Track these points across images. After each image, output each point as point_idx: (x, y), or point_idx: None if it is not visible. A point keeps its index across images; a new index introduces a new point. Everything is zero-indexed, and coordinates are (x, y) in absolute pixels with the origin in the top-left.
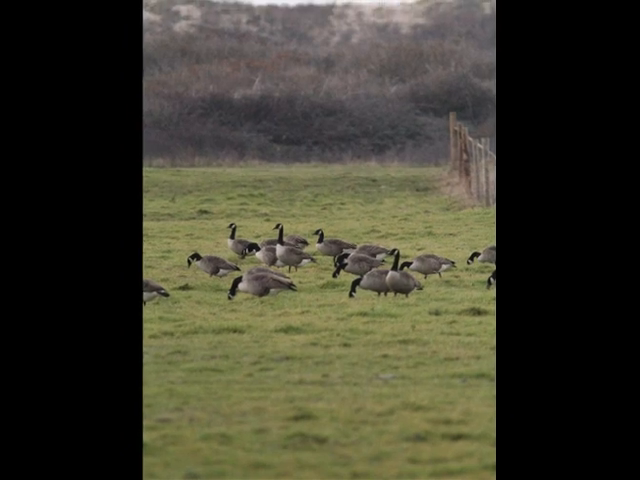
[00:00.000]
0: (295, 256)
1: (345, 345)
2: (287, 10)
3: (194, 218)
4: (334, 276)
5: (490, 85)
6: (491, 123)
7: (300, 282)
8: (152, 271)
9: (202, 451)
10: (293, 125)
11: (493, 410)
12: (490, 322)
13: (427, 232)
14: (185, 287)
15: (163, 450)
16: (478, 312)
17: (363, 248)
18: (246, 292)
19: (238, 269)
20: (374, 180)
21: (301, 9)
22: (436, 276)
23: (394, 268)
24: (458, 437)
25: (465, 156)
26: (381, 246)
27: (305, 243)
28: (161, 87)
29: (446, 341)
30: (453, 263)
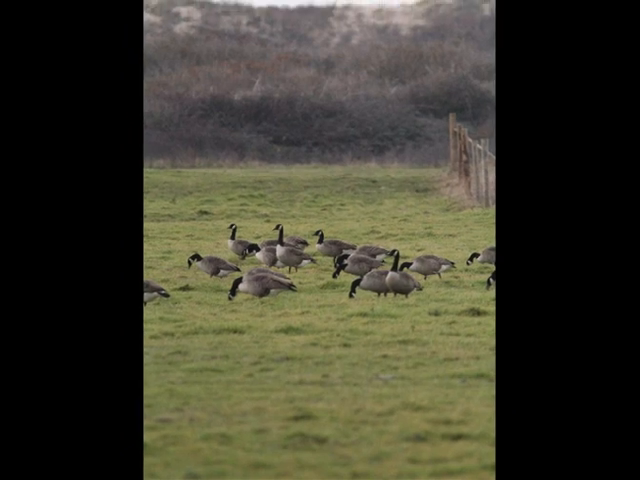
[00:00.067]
0: (295, 257)
1: (345, 345)
2: (287, 11)
3: (194, 219)
4: (334, 277)
5: (489, 86)
6: (490, 124)
7: (300, 283)
8: (153, 272)
9: (202, 451)
10: (293, 126)
11: (492, 410)
12: (489, 323)
13: (427, 233)
14: (185, 288)
15: (163, 450)
16: (477, 313)
17: (363, 249)
18: (246, 293)
19: (238, 270)
20: (374, 181)
21: (301, 10)
22: (436, 277)
23: (394, 269)
24: (458, 437)
25: (465, 157)
26: (381, 247)
27: (305, 244)
28: (161, 88)
29: (446, 341)
30: (453, 264)
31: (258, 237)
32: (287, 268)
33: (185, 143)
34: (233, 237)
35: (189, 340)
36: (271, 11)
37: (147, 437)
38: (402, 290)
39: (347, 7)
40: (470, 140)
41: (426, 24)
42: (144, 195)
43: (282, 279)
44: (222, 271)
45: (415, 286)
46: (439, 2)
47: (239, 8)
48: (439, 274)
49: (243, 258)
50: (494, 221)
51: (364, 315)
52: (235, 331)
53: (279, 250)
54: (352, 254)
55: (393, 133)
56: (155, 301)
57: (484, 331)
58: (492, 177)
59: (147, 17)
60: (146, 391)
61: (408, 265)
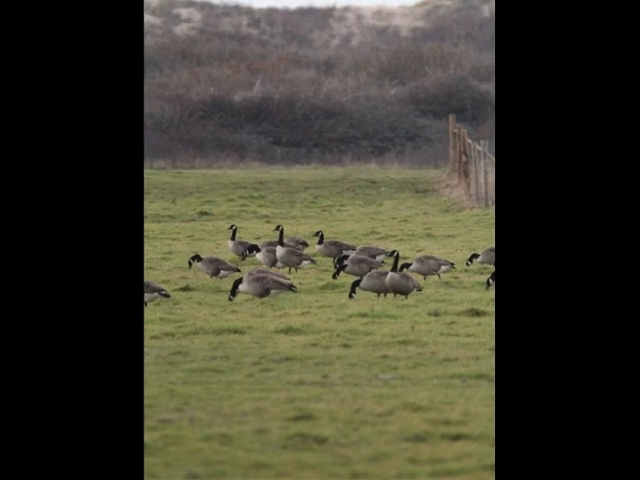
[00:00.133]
0: (295, 257)
1: (345, 346)
2: (287, 13)
3: (195, 220)
4: (334, 277)
5: (489, 87)
6: (490, 125)
7: (300, 283)
8: (153, 272)
9: (203, 451)
10: (293, 127)
11: (492, 410)
12: (489, 323)
13: (426, 234)
14: (186, 288)
15: (164, 450)
16: (477, 313)
17: (363, 249)
18: (246, 293)
19: (239, 270)
20: (374, 182)
21: (301, 12)
22: (435, 277)
23: (394, 269)
24: (457, 437)
25: (464, 158)
26: (381, 247)
27: (305, 244)
28: (162, 89)
29: (445, 342)
30: (452, 264)
31: (258, 238)
32: (287, 269)
33: (185, 144)
34: (233, 238)
35: (189, 340)
36: (271, 12)
37: (148, 437)
38: (402, 291)
39: (347, 8)
40: (470, 141)
41: (426, 25)
42: (145, 196)
43: (282, 280)
44: (222, 272)
45: (415, 287)
46: (439, 3)
47: (239, 9)
48: (439, 275)
49: (243, 259)
50: (493, 222)
51: (364, 315)
52: (235, 331)
53: (279, 251)
54: (352, 255)
55: (393, 134)
56: (156, 301)
57: (484, 331)
58: (491, 178)
59: (147, 18)
60: (147, 391)
61: (408, 266)
